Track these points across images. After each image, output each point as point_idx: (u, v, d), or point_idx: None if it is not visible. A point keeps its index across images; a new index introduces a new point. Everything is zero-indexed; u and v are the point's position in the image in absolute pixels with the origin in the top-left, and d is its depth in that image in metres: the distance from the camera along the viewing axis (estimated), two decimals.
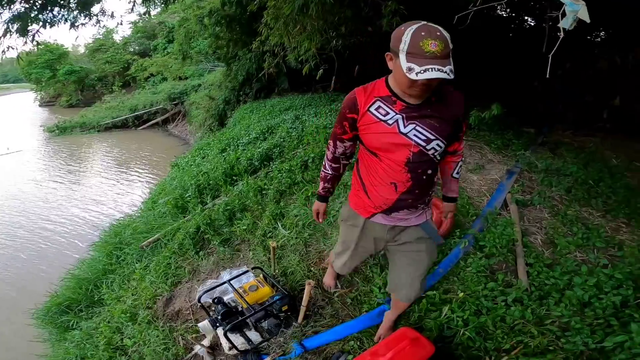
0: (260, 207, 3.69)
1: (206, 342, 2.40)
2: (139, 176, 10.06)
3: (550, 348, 1.91)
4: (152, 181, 9.22)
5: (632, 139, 4.72)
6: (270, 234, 3.26)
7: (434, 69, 1.14)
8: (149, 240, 3.97)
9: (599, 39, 7.16)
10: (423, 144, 1.38)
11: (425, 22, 1.20)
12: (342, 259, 1.89)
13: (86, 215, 7.37)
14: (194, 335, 2.52)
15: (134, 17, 23.73)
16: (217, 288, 2.60)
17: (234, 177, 4.48)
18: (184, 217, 4.09)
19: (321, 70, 5.94)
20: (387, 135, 1.39)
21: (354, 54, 8.72)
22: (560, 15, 1.62)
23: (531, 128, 5.37)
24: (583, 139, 4.91)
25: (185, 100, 15.49)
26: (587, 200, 3.21)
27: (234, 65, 10.01)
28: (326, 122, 5.31)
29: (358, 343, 2.14)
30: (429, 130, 1.37)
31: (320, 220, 1.93)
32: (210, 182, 4.52)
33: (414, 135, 1.37)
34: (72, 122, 16.39)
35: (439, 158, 1.47)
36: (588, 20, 1.54)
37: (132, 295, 3.22)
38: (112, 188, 9.11)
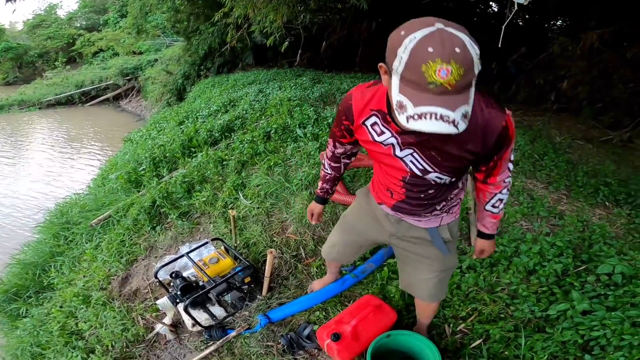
0: (220, 178, 3.57)
1: (167, 320, 2.31)
2: (89, 153, 9.41)
3: (502, 315, 2.05)
4: (104, 158, 8.65)
5: (575, 119, 5.09)
6: (231, 204, 3.16)
7: (436, 115, 0.75)
8: (99, 217, 3.71)
9: (555, 27, 7.60)
10: (419, 173, 1.13)
11: (439, 26, 0.76)
12: (334, 238, 1.74)
13: (34, 195, 6.83)
14: (154, 314, 2.41)
15: None
16: (176, 262, 2.49)
17: (192, 150, 4.30)
18: (138, 192, 3.88)
19: (286, 43, 5.78)
20: (383, 155, 1.16)
21: (322, 30, 8.64)
22: None
23: None
24: (532, 118, 5.25)
25: (139, 76, 14.62)
26: (533, 173, 3.44)
27: (195, 39, 9.58)
28: (290, 95, 5.21)
29: (324, 313, 2.16)
30: (427, 162, 1.08)
31: (314, 221, 1.72)
32: (167, 154, 4.29)
33: (410, 161, 1.11)
34: (9, 99, 14.98)
35: (447, 183, 1.18)
36: None
37: (84, 277, 3.03)
38: (61, 166, 8.46)
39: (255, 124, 4.52)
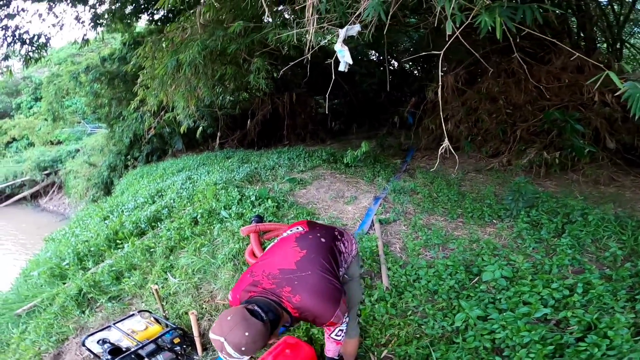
0: (149, 263, 3.62)
1: None
2: (7, 256, 8.55)
3: (417, 335, 2.29)
4: (23, 261, 7.88)
5: (463, 155, 5.93)
6: (161, 284, 3.21)
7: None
8: (24, 307, 3.67)
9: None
10: None
11: (223, 339, 1.23)
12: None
13: None
14: None
15: None
16: (104, 333, 2.48)
17: (118, 242, 4.27)
18: (64, 284, 3.79)
19: (201, 128, 6.13)
20: None
21: (247, 109, 9.11)
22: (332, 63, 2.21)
23: (398, 159, 6.42)
24: (434, 161, 6.04)
25: (59, 169, 13.54)
26: (432, 209, 4.02)
27: (118, 126, 9.36)
28: (216, 179, 5.45)
29: None
30: None
31: None
32: (92, 248, 4.22)
33: None
34: None
35: None
36: (351, 62, 2.13)
37: (14, 355, 2.99)
38: None
39: (182, 211, 4.64)
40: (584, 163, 4.56)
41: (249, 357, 1.27)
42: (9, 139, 17.59)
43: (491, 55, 5.58)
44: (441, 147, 2.17)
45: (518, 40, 4.59)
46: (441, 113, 2.68)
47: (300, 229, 1.74)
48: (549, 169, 4.73)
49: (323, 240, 1.66)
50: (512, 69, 5.38)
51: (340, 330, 1.62)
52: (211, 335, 1.27)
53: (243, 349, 1.23)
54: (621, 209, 3.61)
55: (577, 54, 2.38)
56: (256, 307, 1.31)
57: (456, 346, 2.12)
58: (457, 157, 2.52)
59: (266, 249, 1.88)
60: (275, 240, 1.77)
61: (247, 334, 1.22)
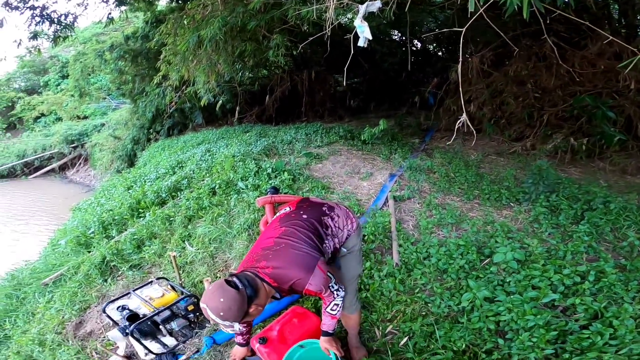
0: (169, 232, 3.76)
1: (120, 351, 2.43)
2: (37, 226, 8.97)
3: (423, 313, 2.31)
4: (51, 231, 8.36)
5: (484, 138, 5.81)
6: (179, 253, 3.35)
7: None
8: (50, 276, 3.83)
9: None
10: None
11: (203, 306, 1.41)
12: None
13: None
14: (109, 347, 2.53)
15: (21, 50, 20.45)
16: (124, 300, 2.65)
17: (140, 211, 4.44)
18: (89, 252, 3.98)
19: (220, 102, 6.20)
20: None
21: (266, 85, 9.15)
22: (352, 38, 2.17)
23: (416, 138, 6.34)
24: (453, 142, 5.93)
25: (85, 143, 14.02)
26: (448, 189, 3.97)
27: (141, 101, 9.60)
28: (234, 151, 5.55)
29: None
30: None
31: None
32: (116, 217, 4.42)
33: None
34: None
35: None
36: (370, 37, 2.10)
37: (38, 324, 3.14)
38: (10, 239, 8.08)
39: (201, 182, 4.78)
40: (613, 151, 4.41)
41: (234, 322, 1.42)
42: (37, 114, 18.26)
43: (522, 38, 5.35)
44: (458, 121, 2.11)
45: (552, 25, 4.39)
46: (461, 95, 2.56)
47: (288, 209, 1.85)
48: (575, 155, 4.62)
49: (305, 216, 1.76)
50: (544, 52, 5.15)
51: (335, 304, 1.69)
52: (201, 304, 1.43)
53: (221, 313, 1.38)
54: None
55: (617, 40, 2.24)
56: (234, 279, 1.47)
57: (460, 326, 2.14)
58: (476, 137, 2.44)
59: None
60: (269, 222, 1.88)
61: (222, 299, 1.37)
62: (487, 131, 5.72)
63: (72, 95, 13.25)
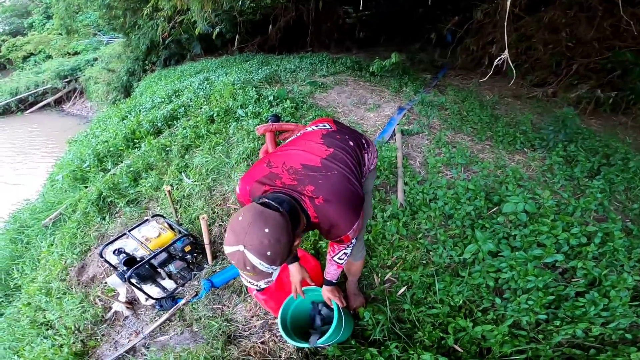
0: (165, 163, 3.62)
1: (121, 297, 2.41)
2: (36, 161, 8.93)
3: (424, 261, 2.21)
4: (50, 165, 8.33)
5: (507, 80, 5.44)
6: (176, 186, 3.24)
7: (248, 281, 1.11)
8: (50, 217, 3.74)
9: None
10: None
11: (240, 248, 1.00)
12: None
13: None
14: (110, 294, 2.51)
15: None
16: (124, 243, 2.56)
17: (135, 141, 4.27)
18: (86, 187, 3.86)
19: (217, 30, 5.76)
20: None
21: (269, 14, 8.63)
22: None
23: (428, 74, 5.96)
24: (469, 81, 5.58)
25: (79, 77, 13.71)
26: (460, 127, 3.73)
27: (134, 34, 9.20)
28: (233, 79, 5.23)
29: None
30: None
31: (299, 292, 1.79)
32: (111, 149, 4.26)
33: None
34: None
35: None
36: None
37: (43, 272, 3.10)
38: (10, 175, 8.09)
39: (199, 109, 4.54)
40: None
41: (279, 267, 1.07)
42: (25, 54, 18.00)
43: None
44: (498, 58, 1.81)
45: None
46: (505, 32, 2.22)
47: (328, 126, 1.50)
48: (598, 107, 4.52)
49: (351, 143, 1.43)
50: (589, 3, 4.81)
51: (344, 253, 1.48)
52: (227, 250, 1.03)
53: (269, 253, 0.99)
54: None
55: None
56: (268, 200, 1.09)
57: (460, 280, 2.04)
58: (494, 79, 2.18)
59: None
60: (299, 134, 1.50)
61: (267, 230, 0.99)
62: (507, 73, 5.36)
63: (60, 34, 12.87)
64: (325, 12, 8.36)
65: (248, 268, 1.01)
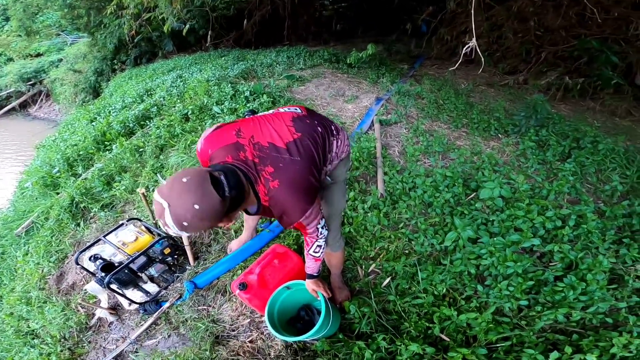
0: (139, 164, 3.50)
1: (103, 303, 2.34)
2: (6, 169, 8.47)
3: (406, 251, 2.21)
4: (19, 173, 7.94)
5: (477, 68, 5.56)
6: (152, 187, 3.14)
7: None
8: (22, 226, 3.59)
9: None
10: None
11: (165, 206, 1.00)
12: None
13: None
14: (92, 301, 2.44)
15: None
16: (96, 248, 2.46)
17: (106, 144, 4.11)
18: (57, 194, 3.70)
19: (187, 27, 5.61)
20: None
21: (243, 9, 8.45)
22: None
23: (405, 65, 6.01)
24: (444, 70, 5.65)
25: (44, 79, 13.10)
26: (436, 116, 3.79)
27: (99, 34, 8.87)
28: (208, 76, 5.10)
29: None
30: None
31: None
32: (81, 152, 4.08)
33: None
34: None
35: None
36: None
37: (21, 281, 2.98)
38: None
39: (172, 108, 4.41)
40: (606, 93, 4.49)
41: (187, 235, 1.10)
42: None
43: None
44: (466, 46, 1.84)
45: None
46: (473, 20, 2.24)
47: (299, 110, 1.47)
48: (567, 93, 4.69)
49: (319, 129, 1.41)
50: None
51: (318, 246, 1.48)
52: (155, 195, 1.02)
53: (185, 223, 0.99)
54: (632, 142, 3.44)
55: None
56: (222, 177, 1.07)
57: (442, 268, 2.07)
58: (467, 68, 2.22)
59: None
60: (271, 112, 1.47)
61: (196, 207, 0.98)
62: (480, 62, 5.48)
63: (19, 35, 12.21)
64: (302, 5, 8.28)
65: (162, 221, 1.02)
